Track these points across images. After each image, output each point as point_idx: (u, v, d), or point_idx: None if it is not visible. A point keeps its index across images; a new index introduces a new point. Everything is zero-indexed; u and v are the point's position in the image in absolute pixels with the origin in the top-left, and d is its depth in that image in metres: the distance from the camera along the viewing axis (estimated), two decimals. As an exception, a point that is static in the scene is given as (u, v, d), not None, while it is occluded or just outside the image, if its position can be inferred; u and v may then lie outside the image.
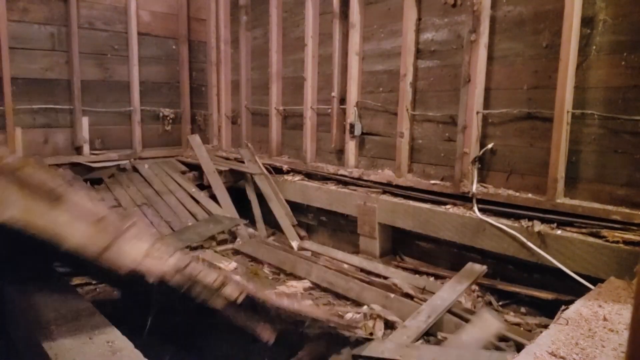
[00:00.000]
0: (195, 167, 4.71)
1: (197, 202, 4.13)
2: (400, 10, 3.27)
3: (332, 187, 3.77)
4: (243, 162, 4.45)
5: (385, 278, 2.87)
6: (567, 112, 2.48)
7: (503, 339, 2.23)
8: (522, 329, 2.41)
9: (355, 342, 1.94)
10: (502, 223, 2.67)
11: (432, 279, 3.00)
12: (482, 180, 2.93)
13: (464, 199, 2.94)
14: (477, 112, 2.86)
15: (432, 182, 3.16)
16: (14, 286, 1.95)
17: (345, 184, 3.75)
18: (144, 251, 1.59)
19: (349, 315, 2.53)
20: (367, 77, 3.64)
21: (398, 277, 2.88)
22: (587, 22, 2.44)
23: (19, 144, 4.30)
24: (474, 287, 2.73)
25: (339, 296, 2.83)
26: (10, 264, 2.02)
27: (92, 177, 4.51)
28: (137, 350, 1.53)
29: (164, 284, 1.55)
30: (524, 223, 2.61)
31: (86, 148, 4.64)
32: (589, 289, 2.16)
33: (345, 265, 3.17)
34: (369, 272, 3.03)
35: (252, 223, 4.07)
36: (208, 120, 5.40)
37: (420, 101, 3.28)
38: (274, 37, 4.37)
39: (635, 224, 2.26)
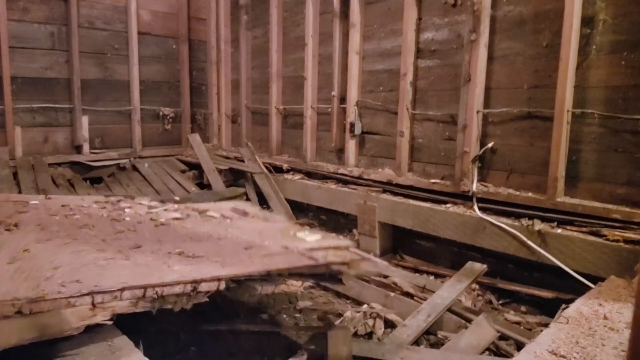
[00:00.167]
0: (195, 166, 4.71)
1: (197, 201, 4.13)
2: (400, 9, 3.27)
3: (332, 186, 3.77)
4: (243, 161, 4.45)
5: (385, 277, 2.87)
6: (567, 111, 2.48)
7: (503, 337, 2.23)
8: (522, 327, 2.41)
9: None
10: (502, 222, 2.67)
11: (432, 277, 3.00)
12: (482, 179, 2.93)
13: (464, 197, 2.95)
14: (478, 111, 2.86)
15: (433, 181, 3.16)
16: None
17: (345, 182, 3.75)
18: None
19: (348, 314, 2.53)
20: (367, 76, 3.64)
21: (398, 275, 2.87)
22: (587, 21, 2.44)
23: (19, 143, 4.31)
24: (474, 285, 2.73)
25: (339, 295, 2.83)
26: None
27: (91, 176, 4.51)
28: (137, 350, 1.53)
29: None
30: (524, 222, 2.61)
31: (86, 147, 4.65)
32: (589, 288, 2.16)
33: (346, 265, 3.17)
34: (369, 271, 3.03)
35: (252, 222, 4.07)
36: (208, 119, 5.40)
37: (420, 100, 3.28)
38: (274, 37, 4.37)
39: (635, 223, 2.27)
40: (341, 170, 3.78)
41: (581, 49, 2.46)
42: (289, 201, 4.10)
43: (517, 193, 2.73)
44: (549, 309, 2.43)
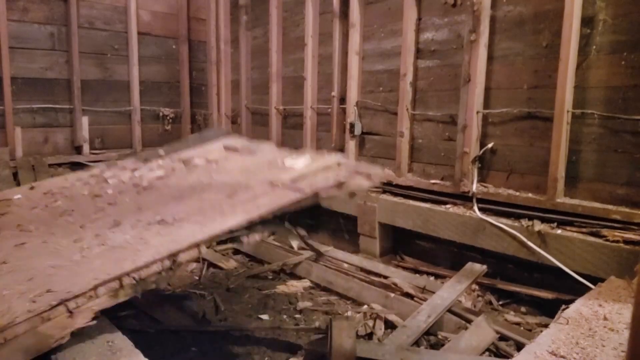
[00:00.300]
0: (195, 167, 4.71)
1: (197, 201, 4.12)
2: (400, 9, 3.27)
3: (332, 186, 3.76)
4: (243, 161, 4.45)
5: (386, 277, 2.87)
6: (567, 111, 2.48)
7: (503, 338, 2.23)
8: (522, 328, 2.41)
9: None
10: (502, 222, 2.67)
11: (432, 278, 3.00)
12: (482, 179, 2.93)
13: (464, 198, 2.94)
14: (477, 112, 2.86)
15: (432, 181, 3.16)
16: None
17: (345, 183, 3.74)
18: None
19: (348, 315, 2.53)
20: (367, 76, 3.64)
21: (398, 276, 2.87)
22: (587, 21, 2.44)
23: (19, 143, 4.31)
24: (474, 286, 2.73)
25: (339, 295, 2.83)
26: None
27: (92, 177, 4.51)
28: (137, 350, 1.53)
29: None
30: (524, 222, 2.61)
31: (86, 147, 4.65)
32: (589, 289, 2.16)
33: (345, 265, 3.17)
34: (369, 272, 3.03)
35: (252, 222, 4.06)
36: (208, 120, 5.39)
37: (420, 101, 3.28)
38: (274, 37, 4.37)
39: (635, 224, 2.27)
40: (341, 171, 3.77)
41: (581, 49, 2.46)
42: (289, 201, 4.10)
43: (517, 194, 2.73)
44: (549, 310, 2.43)
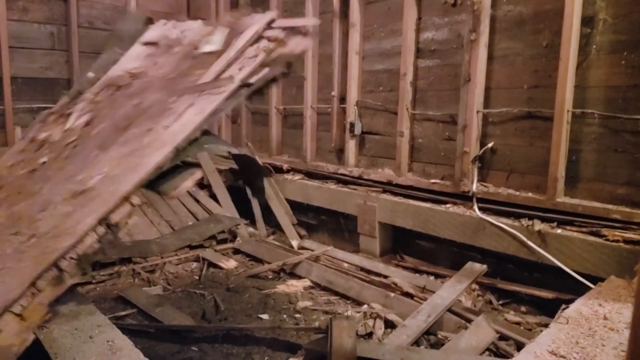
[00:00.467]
0: (195, 166, 4.71)
1: (197, 201, 4.12)
2: (400, 9, 3.27)
3: (332, 186, 3.77)
4: (243, 161, 4.45)
5: (386, 277, 2.87)
6: (567, 111, 2.48)
7: (503, 338, 2.23)
8: (522, 328, 2.42)
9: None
10: (502, 222, 2.67)
11: (432, 278, 3.01)
12: (482, 179, 2.93)
13: (464, 198, 2.94)
14: (477, 112, 2.86)
15: (432, 181, 3.16)
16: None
17: (345, 183, 3.74)
18: None
19: (348, 315, 2.53)
20: (367, 76, 3.64)
21: (398, 276, 2.88)
22: (587, 21, 2.43)
23: (19, 143, 4.30)
24: (474, 286, 2.73)
25: (339, 295, 2.83)
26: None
27: (92, 177, 4.50)
28: (137, 350, 1.54)
29: None
30: (524, 222, 2.61)
31: (86, 147, 4.64)
32: (589, 288, 2.16)
33: (346, 265, 3.17)
34: (369, 271, 3.03)
35: (252, 222, 4.07)
36: (208, 120, 5.39)
37: (420, 100, 3.28)
38: (274, 37, 4.36)
39: (635, 223, 2.27)
40: (341, 171, 3.78)
41: (581, 48, 2.46)
42: (289, 201, 4.10)
43: (517, 193, 2.73)
44: (549, 309, 2.43)
